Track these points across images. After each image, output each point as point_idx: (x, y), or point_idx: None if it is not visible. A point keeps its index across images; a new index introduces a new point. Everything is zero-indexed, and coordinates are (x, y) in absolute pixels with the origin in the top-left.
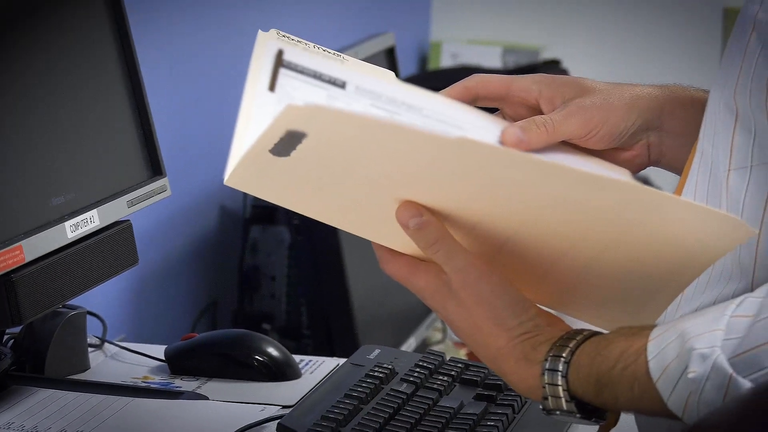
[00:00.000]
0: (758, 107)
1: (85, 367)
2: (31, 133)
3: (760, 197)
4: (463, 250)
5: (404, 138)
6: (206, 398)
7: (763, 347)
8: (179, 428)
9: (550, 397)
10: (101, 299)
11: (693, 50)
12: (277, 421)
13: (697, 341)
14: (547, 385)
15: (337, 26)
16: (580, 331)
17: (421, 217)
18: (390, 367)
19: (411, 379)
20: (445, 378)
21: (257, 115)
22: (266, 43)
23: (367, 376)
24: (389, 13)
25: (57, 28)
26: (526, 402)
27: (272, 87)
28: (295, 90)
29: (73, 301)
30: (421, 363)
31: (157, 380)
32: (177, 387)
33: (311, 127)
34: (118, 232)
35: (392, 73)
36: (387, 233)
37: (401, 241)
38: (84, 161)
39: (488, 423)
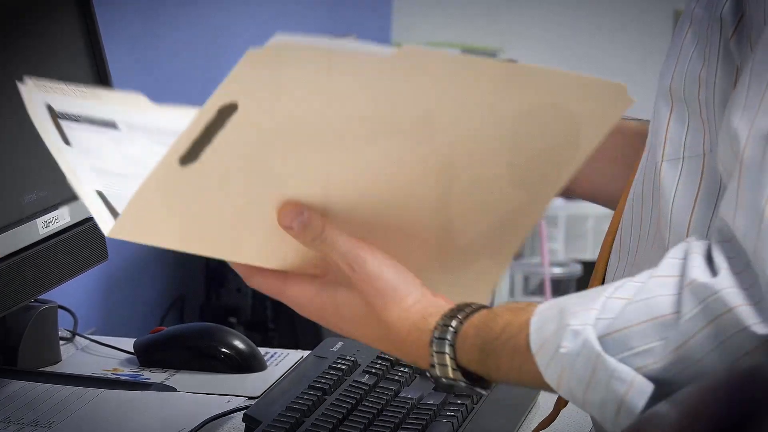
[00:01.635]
0: (692, 100)
1: (57, 359)
2: (3, 132)
3: (692, 189)
4: (345, 234)
5: (354, 65)
6: (174, 390)
7: (631, 328)
8: (148, 419)
9: (437, 365)
10: (72, 294)
11: (645, 50)
12: (243, 412)
13: (572, 318)
14: (434, 353)
15: (299, 29)
16: (469, 304)
17: (302, 214)
18: (352, 359)
19: (373, 370)
20: (406, 370)
21: (77, 168)
22: (32, 98)
23: (331, 368)
24: (351, 16)
25: (27, 28)
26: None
27: (67, 142)
28: (84, 140)
29: (45, 296)
30: (382, 355)
31: (126, 372)
32: (146, 379)
33: (249, 91)
34: (88, 229)
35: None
36: (265, 250)
37: (277, 256)
38: (55, 160)
39: (447, 413)
